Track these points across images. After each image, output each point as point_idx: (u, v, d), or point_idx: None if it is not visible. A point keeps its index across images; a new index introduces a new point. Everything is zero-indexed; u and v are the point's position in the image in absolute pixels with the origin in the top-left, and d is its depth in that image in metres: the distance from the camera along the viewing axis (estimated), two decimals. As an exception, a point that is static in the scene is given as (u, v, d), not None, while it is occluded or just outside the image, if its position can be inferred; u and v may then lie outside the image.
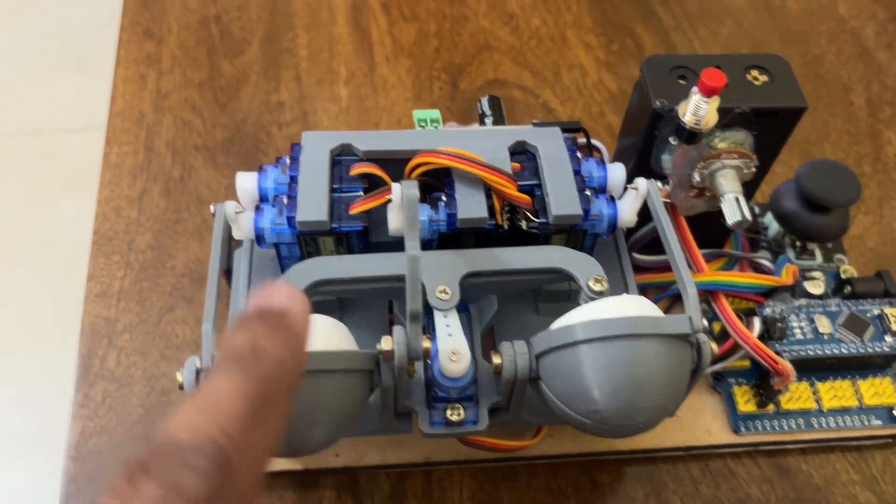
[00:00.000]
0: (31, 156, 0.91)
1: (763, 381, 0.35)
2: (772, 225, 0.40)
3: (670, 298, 0.37)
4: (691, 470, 0.35)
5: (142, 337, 0.37)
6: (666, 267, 0.37)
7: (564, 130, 0.33)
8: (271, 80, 0.48)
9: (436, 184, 0.32)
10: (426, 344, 0.26)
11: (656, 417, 0.27)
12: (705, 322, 0.26)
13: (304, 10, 0.52)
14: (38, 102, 1.01)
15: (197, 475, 0.15)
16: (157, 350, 0.37)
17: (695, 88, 0.29)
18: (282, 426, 0.18)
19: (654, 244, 0.37)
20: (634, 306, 0.27)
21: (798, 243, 0.40)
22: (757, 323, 0.34)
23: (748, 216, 0.30)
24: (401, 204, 0.29)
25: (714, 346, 0.28)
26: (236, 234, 0.30)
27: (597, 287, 0.29)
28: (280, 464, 0.33)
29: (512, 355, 0.27)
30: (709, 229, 0.37)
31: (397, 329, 0.26)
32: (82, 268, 0.40)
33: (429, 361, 0.29)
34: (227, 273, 0.36)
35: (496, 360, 0.27)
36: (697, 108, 0.29)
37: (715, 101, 0.29)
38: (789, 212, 0.38)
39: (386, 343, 0.25)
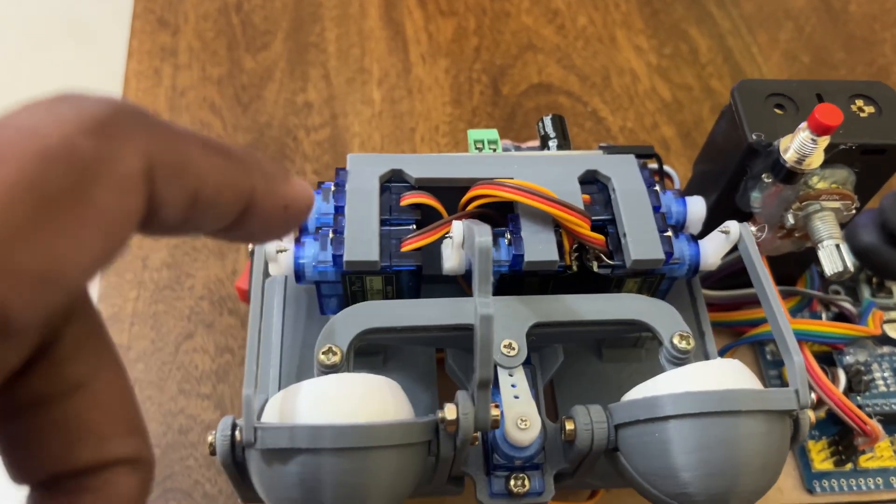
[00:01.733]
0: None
1: (844, 438, 0.32)
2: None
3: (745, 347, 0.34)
4: None
5: (157, 367, 0.34)
6: (737, 304, 0.34)
7: (637, 157, 0.30)
8: (297, 78, 0.44)
9: (495, 216, 0.28)
10: (495, 413, 0.23)
11: (750, 502, 0.23)
12: (813, 396, 0.23)
13: (333, 1, 0.48)
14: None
15: None
16: (175, 382, 0.34)
17: (803, 124, 0.25)
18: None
19: (724, 279, 0.34)
20: (730, 375, 0.24)
21: (874, 280, 0.36)
22: (842, 377, 0.31)
23: (850, 266, 0.27)
24: (461, 244, 0.26)
25: (812, 415, 0.25)
26: (273, 271, 0.27)
27: (682, 345, 0.26)
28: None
29: (588, 424, 0.24)
30: (783, 265, 0.34)
31: (462, 396, 0.22)
32: (92, 288, 0.36)
33: (490, 425, 0.26)
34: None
35: (569, 426, 0.24)
36: (803, 147, 0.25)
37: (825, 141, 0.25)
38: (869, 246, 0.35)
39: (449, 412, 0.22)
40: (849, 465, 0.32)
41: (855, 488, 0.32)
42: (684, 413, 0.22)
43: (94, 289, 0.36)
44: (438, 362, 0.30)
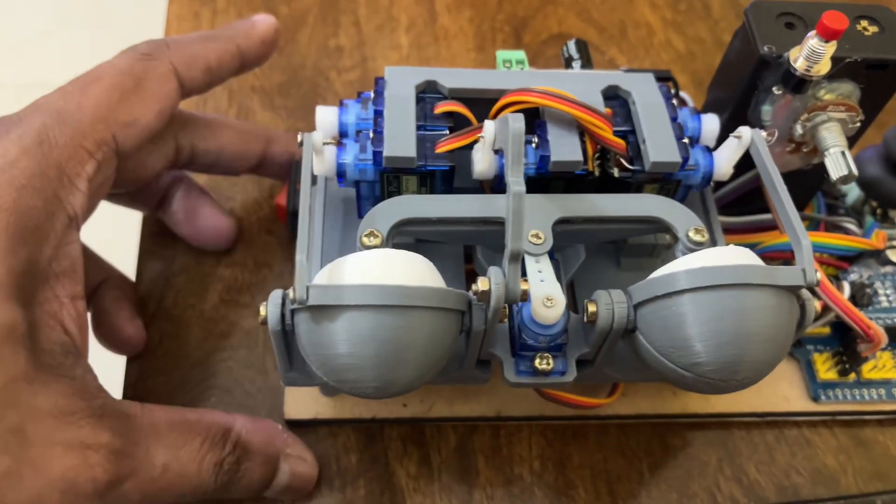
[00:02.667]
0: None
1: (848, 347, 0.33)
2: (851, 191, 0.39)
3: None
4: (766, 437, 0.33)
5: (199, 279, 0.36)
6: (746, 229, 0.36)
7: (655, 79, 0.32)
8: (329, 24, 0.47)
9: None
10: (524, 286, 0.24)
11: (760, 373, 0.25)
12: (819, 275, 0.25)
13: (363, -45, 0.50)
14: (95, 43, 1.05)
15: None
16: (216, 293, 0.36)
17: (811, 32, 0.27)
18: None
19: (735, 204, 0.35)
20: (740, 256, 0.26)
21: (879, 211, 0.38)
22: (846, 287, 0.33)
23: (854, 171, 0.29)
24: (493, 143, 0.28)
25: (818, 304, 0.27)
26: (317, 169, 0.29)
27: (697, 237, 0.27)
28: (345, 411, 0.32)
29: (609, 304, 0.26)
30: (792, 191, 0.35)
31: (494, 269, 0.24)
32: (136, 213, 0.38)
33: (516, 308, 0.28)
34: (293, 215, 0.35)
35: (591, 307, 0.26)
36: (812, 53, 0.27)
37: (832, 47, 0.27)
38: (873, 177, 0.36)
39: (482, 284, 0.24)
40: (852, 376, 0.34)
41: (858, 398, 0.34)
42: (699, 286, 0.24)
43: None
44: (466, 273, 0.32)
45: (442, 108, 0.30)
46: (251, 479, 0.28)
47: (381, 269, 0.24)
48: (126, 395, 0.33)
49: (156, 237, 0.37)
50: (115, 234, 0.31)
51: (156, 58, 0.29)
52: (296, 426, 0.32)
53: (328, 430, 0.32)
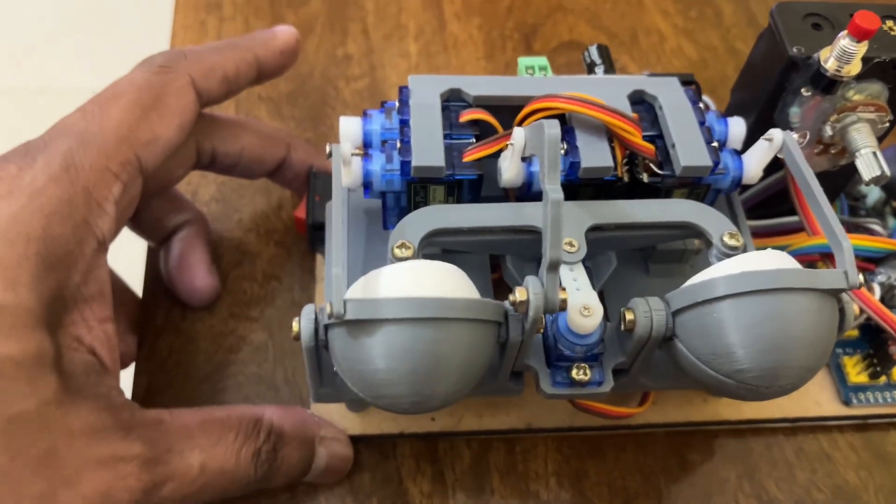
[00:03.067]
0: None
1: (879, 350, 0.33)
2: (871, 192, 0.38)
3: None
4: (786, 453, 0.33)
5: None
6: (773, 232, 0.35)
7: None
8: (337, 32, 0.46)
9: (550, 133, 0.30)
10: (563, 295, 0.24)
11: (803, 378, 0.25)
12: (862, 277, 0.24)
13: (370, -37, 0.50)
14: (100, 50, 1.06)
15: None
16: (225, 306, 0.35)
17: (843, 32, 0.27)
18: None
19: (759, 207, 0.35)
20: (780, 260, 0.25)
21: (901, 211, 0.38)
22: (877, 289, 0.33)
23: (887, 171, 0.28)
24: (522, 150, 0.27)
25: (856, 307, 0.27)
26: (344, 180, 0.28)
27: (732, 242, 0.27)
28: (372, 426, 0.32)
29: (647, 312, 0.25)
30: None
31: (531, 279, 0.24)
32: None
33: (552, 318, 0.27)
34: (316, 229, 0.34)
35: (629, 316, 0.26)
36: (844, 54, 0.27)
37: (863, 47, 0.27)
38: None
39: (520, 294, 0.24)
40: (883, 379, 0.34)
41: (890, 400, 0.33)
42: (738, 292, 0.24)
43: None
44: (494, 283, 0.31)
45: (468, 115, 0.29)
46: (290, 464, 0.28)
47: (416, 280, 0.24)
48: None
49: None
50: (121, 243, 0.30)
51: (173, 70, 0.29)
52: (322, 443, 0.32)
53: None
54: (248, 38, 0.32)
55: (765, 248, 0.34)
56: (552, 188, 0.24)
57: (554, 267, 0.24)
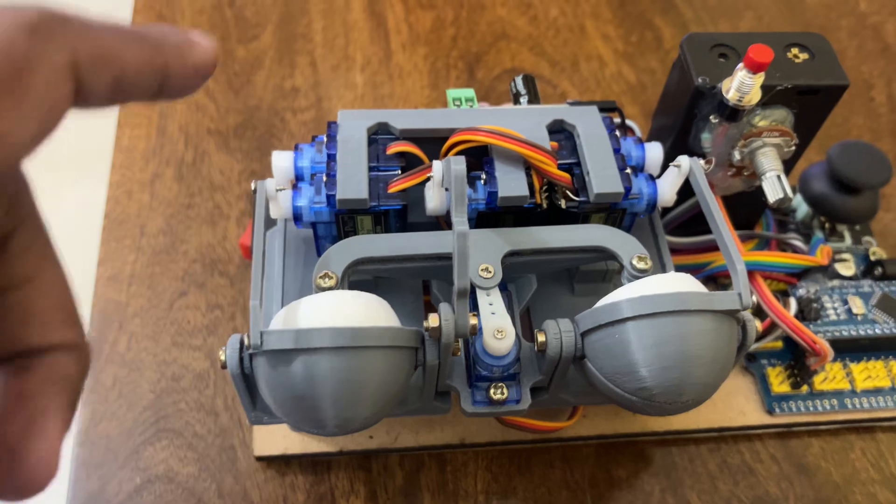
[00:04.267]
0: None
1: (798, 361, 0.35)
2: (800, 207, 0.40)
3: (701, 280, 0.37)
4: (708, 466, 0.34)
5: (153, 322, 0.37)
6: (698, 249, 0.37)
7: (600, 110, 0.33)
8: (286, 65, 0.48)
9: (474, 162, 0.31)
10: (473, 321, 0.25)
11: (704, 394, 0.26)
12: (755, 298, 0.26)
13: (320, -6, 0.52)
14: None
15: None
16: (169, 336, 0.36)
17: (740, 65, 0.28)
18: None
19: (686, 226, 0.37)
20: (681, 283, 0.27)
21: (827, 225, 0.40)
22: (793, 303, 0.34)
23: (790, 194, 0.30)
24: (441, 182, 0.29)
25: (758, 324, 0.28)
26: (274, 214, 0.30)
27: (640, 265, 0.29)
28: (313, 445, 0.33)
29: (557, 333, 0.27)
30: (741, 210, 0.37)
31: (444, 306, 0.25)
32: (93, 251, 0.39)
33: (470, 340, 0.28)
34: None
35: (540, 337, 0.27)
36: (742, 85, 0.29)
37: (760, 78, 0.28)
38: (820, 193, 0.38)
39: (433, 320, 0.25)
40: (805, 388, 0.35)
41: (812, 409, 0.35)
42: (640, 314, 0.25)
43: (95, 252, 0.39)
44: (425, 305, 0.33)
45: (393, 148, 0.31)
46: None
47: (334, 310, 0.25)
48: (78, 441, 0.33)
49: (111, 282, 0.38)
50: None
51: (50, 38, 0.17)
52: (266, 462, 0.33)
53: (276, 469, 0.33)
54: (158, 34, 0.20)
55: (693, 265, 0.36)
56: (459, 220, 0.25)
57: (463, 294, 0.25)
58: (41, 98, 0.16)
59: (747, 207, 0.37)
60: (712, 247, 0.37)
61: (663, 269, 0.33)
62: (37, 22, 0.16)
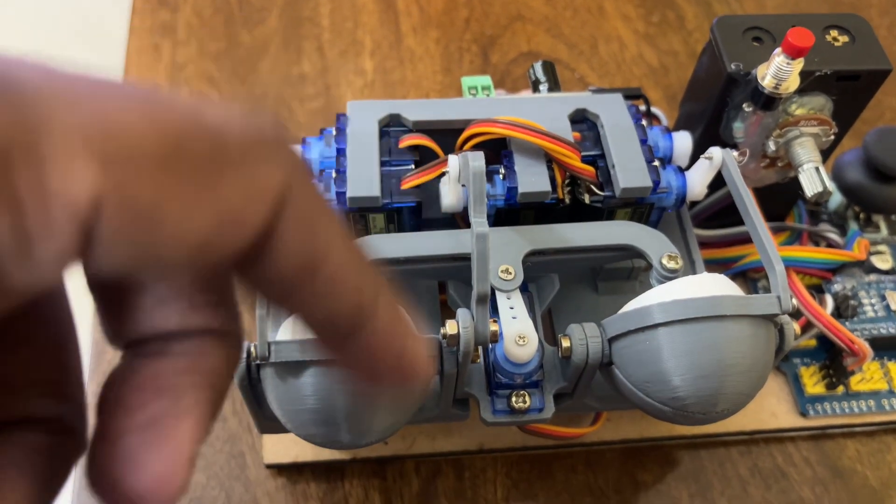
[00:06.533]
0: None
1: (834, 361, 0.33)
2: (834, 197, 0.38)
3: (730, 276, 0.35)
4: (739, 470, 0.33)
5: None
6: (726, 242, 0.35)
7: (624, 97, 0.31)
8: (292, 51, 0.46)
9: (491, 156, 0.30)
10: (493, 327, 0.24)
11: (740, 403, 0.25)
12: (794, 301, 0.24)
13: (328, -24, 0.50)
14: None
15: None
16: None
17: (778, 49, 0.27)
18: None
19: (715, 217, 0.35)
20: (715, 285, 0.25)
21: (862, 216, 0.38)
22: (829, 301, 0.32)
23: (829, 187, 0.28)
24: (458, 178, 0.27)
25: (797, 326, 0.26)
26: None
27: (671, 265, 0.27)
28: (325, 453, 0.32)
29: (583, 339, 0.25)
30: (771, 202, 0.35)
31: (462, 312, 0.24)
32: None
33: (490, 346, 0.27)
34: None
35: (565, 343, 0.25)
36: (779, 71, 0.27)
37: (799, 64, 0.27)
38: (854, 182, 0.36)
39: (451, 327, 0.24)
40: (840, 389, 0.33)
41: (847, 410, 0.33)
42: (672, 320, 0.24)
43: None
44: (442, 305, 0.31)
45: (406, 141, 0.29)
46: None
47: (346, 318, 0.24)
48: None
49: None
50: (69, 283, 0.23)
51: (48, 129, 0.10)
52: (276, 469, 0.32)
53: (287, 477, 0.32)
54: (380, 274, 0.14)
55: (724, 258, 0.35)
56: (478, 221, 0.24)
57: (482, 300, 0.24)
58: (227, 202, 0.11)
59: (779, 198, 0.35)
60: (742, 239, 0.35)
61: (693, 268, 0.31)
62: (29, 99, 0.10)
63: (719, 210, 0.34)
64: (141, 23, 0.46)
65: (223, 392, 0.15)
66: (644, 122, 0.30)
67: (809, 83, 0.28)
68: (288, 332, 0.24)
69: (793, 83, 0.27)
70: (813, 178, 0.28)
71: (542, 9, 0.49)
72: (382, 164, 0.29)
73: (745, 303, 0.24)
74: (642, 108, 0.33)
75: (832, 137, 0.29)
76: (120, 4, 0.44)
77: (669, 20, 0.49)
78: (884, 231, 0.38)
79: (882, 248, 0.36)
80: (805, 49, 0.26)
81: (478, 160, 0.24)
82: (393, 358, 0.15)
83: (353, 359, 0.14)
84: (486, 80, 0.32)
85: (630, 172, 0.28)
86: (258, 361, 0.23)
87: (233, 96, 0.43)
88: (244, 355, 0.24)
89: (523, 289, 0.30)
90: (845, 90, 0.29)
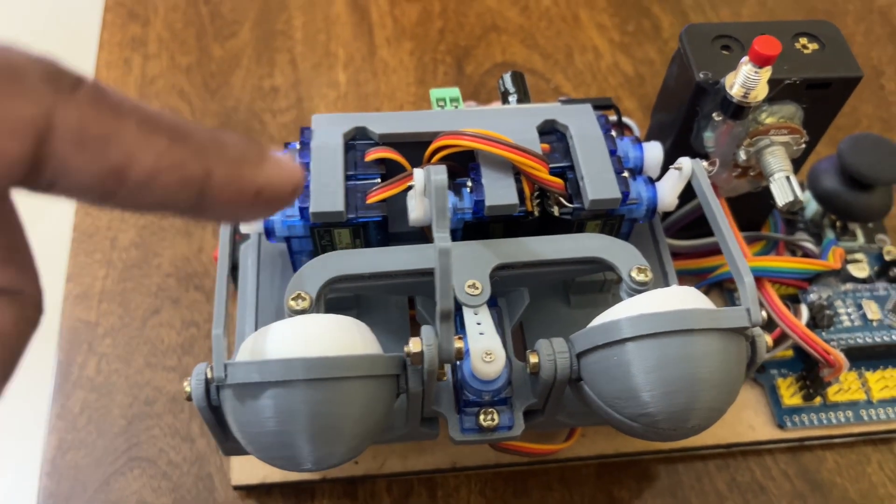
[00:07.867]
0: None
1: (811, 372, 0.32)
2: (809, 205, 0.38)
3: (705, 287, 0.35)
4: (717, 485, 0.32)
5: (125, 342, 0.35)
6: (701, 252, 0.35)
7: (594, 108, 0.31)
8: (264, 64, 0.45)
9: (459, 168, 0.29)
10: (458, 344, 0.23)
11: (711, 419, 0.24)
12: (764, 314, 0.24)
13: (300, -12, 0.49)
14: None
15: None
16: (142, 356, 0.34)
17: (745, 58, 0.26)
18: None
19: (690, 227, 0.34)
20: (685, 298, 0.25)
21: (838, 223, 0.37)
22: (805, 311, 0.32)
23: (801, 196, 0.28)
24: (424, 191, 0.27)
25: (769, 339, 0.26)
26: (244, 228, 0.28)
27: (640, 277, 0.26)
28: (275, 476, 0.31)
29: (551, 355, 0.25)
30: (746, 211, 0.34)
31: (426, 329, 0.23)
32: (61, 267, 0.37)
33: (458, 363, 0.26)
34: (232, 270, 0.34)
35: (533, 359, 0.25)
36: (747, 80, 0.26)
37: (767, 72, 0.26)
38: (830, 190, 0.35)
39: (414, 345, 0.23)
40: (818, 400, 0.33)
41: (825, 422, 0.33)
42: (641, 334, 0.23)
43: (63, 268, 0.36)
44: (411, 320, 0.31)
45: (372, 155, 0.29)
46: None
47: (306, 338, 0.23)
48: (44, 471, 0.31)
49: (80, 300, 0.36)
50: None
51: (28, 85, 0.13)
52: (245, 491, 0.31)
53: (255, 498, 0.31)
54: (213, 140, 0.15)
55: (697, 269, 0.34)
56: (440, 236, 0.23)
57: (446, 316, 0.23)
58: None
59: (753, 207, 0.35)
60: (717, 250, 0.35)
61: (665, 280, 0.30)
62: (23, 65, 0.13)
63: (694, 220, 0.34)
64: (111, 37, 0.46)
65: (13, 357, 0.15)
66: (614, 133, 0.30)
67: (779, 91, 0.28)
68: (247, 351, 0.23)
69: (761, 92, 0.27)
70: (784, 188, 0.28)
71: (517, 19, 0.49)
72: (348, 178, 0.28)
73: (715, 316, 0.23)
74: (613, 118, 0.32)
75: (803, 146, 0.29)
76: (90, 19, 0.43)
77: (645, 29, 0.48)
78: (860, 239, 0.37)
79: (859, 255, 0.36)
80: (772, 57, 0.25)
81: (440, 174, 0.23)
82: (250, 197, 0.16)
83: (216, 217, 0.16)
84: (455, 92, 0.32)
85: (599, 184, 0.28)
86: (216, 384, 0.22)
87: (204, 110, 0.43)
88: (203, 376, 0.24)
89: (492, 303, 0.29)
90: (816, 98, 0.29)
